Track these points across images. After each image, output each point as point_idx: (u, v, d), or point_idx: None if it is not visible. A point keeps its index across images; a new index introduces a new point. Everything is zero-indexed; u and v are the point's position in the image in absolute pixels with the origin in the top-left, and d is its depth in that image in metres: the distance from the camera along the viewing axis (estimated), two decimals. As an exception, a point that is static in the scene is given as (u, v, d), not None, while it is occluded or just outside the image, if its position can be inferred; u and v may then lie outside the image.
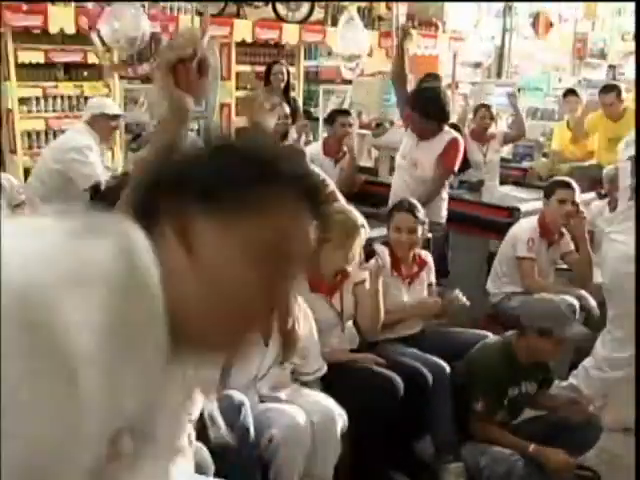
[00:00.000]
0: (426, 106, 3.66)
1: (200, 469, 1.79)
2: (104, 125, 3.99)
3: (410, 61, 7.59)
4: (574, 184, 3.49)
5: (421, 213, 2.93)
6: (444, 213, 3.69)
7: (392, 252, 2.93)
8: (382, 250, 2.87)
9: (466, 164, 4.52)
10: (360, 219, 2.63)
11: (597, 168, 4.73)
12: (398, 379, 2.45)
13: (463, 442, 2.58)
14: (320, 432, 2.21)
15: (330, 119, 4.62)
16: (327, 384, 2.41)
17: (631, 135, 3.08)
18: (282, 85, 5.03)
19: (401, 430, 2.53)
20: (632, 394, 2.69)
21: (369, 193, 4.33)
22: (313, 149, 4.55)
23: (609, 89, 5.28)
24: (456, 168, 3.62)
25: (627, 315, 2.86)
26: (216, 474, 1.85)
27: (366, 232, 2.65)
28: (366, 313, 2.70)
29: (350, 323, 2.77)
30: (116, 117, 4.10)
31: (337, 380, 2.42)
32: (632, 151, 2.95)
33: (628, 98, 5.40)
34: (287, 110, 4.47)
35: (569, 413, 2.62)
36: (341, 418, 2.27)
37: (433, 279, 3.07)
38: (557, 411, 2.68)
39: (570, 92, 5.73)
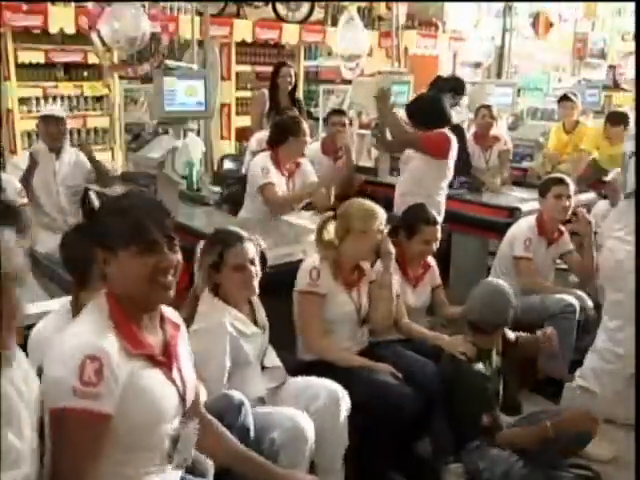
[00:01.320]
0: (412, 113, 3.85)
1: (199, 471, 1.79)
2: (42, 130, 3.99)
3: (410, 61, 7.64)
4: (568, 179, 3.51)
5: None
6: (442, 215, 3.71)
7: (401, 255, 2.95)
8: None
9: (467, 166, 4.52)
10: (376, 207, 2.69)
11: (597, 167, 4.71)
12: (415, 397, 2.42)
13: (461, 444, 2.58)
14: (325, 416, 2.19)
15: (326, 119, 4.65)
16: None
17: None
18: (289, 87, 5.03)
19: (402, 432, 2.52)
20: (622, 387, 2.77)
21: (369, 193, 4.33)
22: (313, 148, 4.57)
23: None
24: (425, 147, 3.65)
25: (619, 304, 2.79)
26: (216, 475, 1.85)
27: (383, 218, 2.68)
28: (379, 306, 2.71)
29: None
30: (49, 119, 3.96)
31: (348, 382, 2.37)
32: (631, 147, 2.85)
33: (626, 96, 5.42)
34: (296, 112, 4.50)
35: (536, 351, 2.80)
36: (345, 401, 2.25)
37: (439, 280, 3.13)
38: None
39: (564, 98, 5.73)
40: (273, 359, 2.38)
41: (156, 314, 1.56)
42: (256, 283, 2.27)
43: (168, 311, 1.64)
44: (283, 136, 3.64)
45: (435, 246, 3.02)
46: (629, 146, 2.83)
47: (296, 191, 3.62)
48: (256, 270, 2.27)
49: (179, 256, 1.53)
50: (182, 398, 1.56)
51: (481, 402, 2.54)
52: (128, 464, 1.48)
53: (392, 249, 2.71)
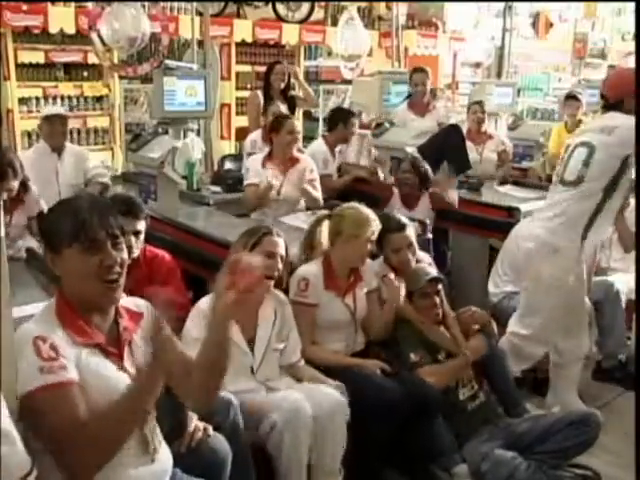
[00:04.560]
0: None
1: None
2: (47, 130, 3.99)
3: (410, 61, 7.64)
4: None
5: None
6: None
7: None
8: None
9: (467, 165, 4.51)
10: (371, 214, 2.66)
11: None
12: (404, 397, 2.39)
13: (462, 444, 2.59)
14: (327, 422, 2.21)
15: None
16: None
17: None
18: (282, 85, 5.03)
19: (397, 430, 2.51)
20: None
21: (368, 193, 4.33)
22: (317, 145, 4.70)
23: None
24: None
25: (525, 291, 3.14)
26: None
27: (377, 227, 2.65)
28: (377, 319, 2.71)
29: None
30: (54, 118, 3.96)
31: (343, 382, 2.40)
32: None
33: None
34: (281, 108, 4.52)
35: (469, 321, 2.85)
36: (345, 408, 2.27)
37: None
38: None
39: (571, 97, 5.72)
40: (271, 377, 2.38)
41: (109, 310, 1.56)
42: (271, 282, 2.33)
43: (131, 302, 1.64)
44: (269, 135, 3.83)
45: (410, 252, 2.82)
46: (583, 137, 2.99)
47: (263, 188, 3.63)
48: (280, 268, 2.36)
49: (124, 254, 1.54)
50: None
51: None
52: None
53: (392, 281, 2.68)
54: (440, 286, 2.80)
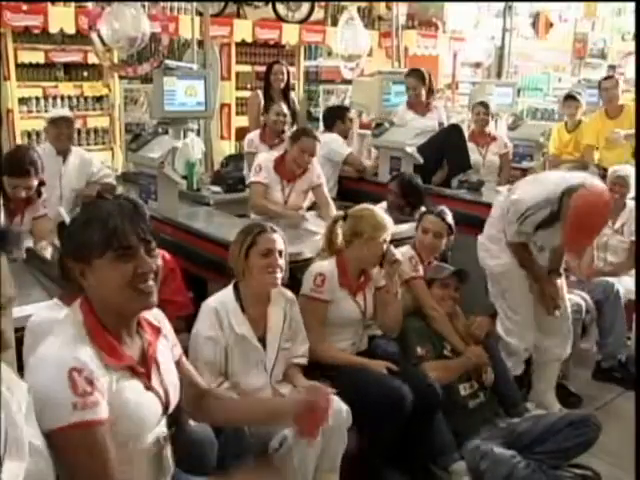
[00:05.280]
0: None
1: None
2: (53, 133, 3.99)
3: (410, 61, 7.64)
4: None
5: None
6: None
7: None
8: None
9: (467, 165, 4.52)
10: (386, 217, 2.73)
11: (595, 167, 4.72)
12: (410, 396, 2.41)
13: (461, 443, 2.59)
14: (330, 429, 2.19)
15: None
16: (335, 384, 2.39)
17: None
18: (282, 85, 5.03)
19: (400, 430, 2.51)
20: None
21: (368, 193, 4.33)
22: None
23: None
24: None
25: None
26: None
27: (392, 230, 2.73)
28: (390, 314, 2.76)
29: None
30: (60, 121, 3.97)
31: (347, 382, 2.40)
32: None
33: (626, 97, 5.45)
34: (284, 108, 4.51)
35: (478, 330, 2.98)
36: (348, 415, 2.28)
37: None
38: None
39: (570, 97, 5.72)
40: (280, 377, 2.40)
41: (133, 322, 1.50)
42: (279, 275, 2.32)
43: (150, 314, 1.58)
44: (290, 141, 3.67)
45: (436, 238, 3.10)
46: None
47: (273, 205, 3.60)
48: (281, 263, 2.34)
49: (158, 261, 1.47)
50: (164, 404, 1.51)
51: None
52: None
53: (399, 257, 2.73)
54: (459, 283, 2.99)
